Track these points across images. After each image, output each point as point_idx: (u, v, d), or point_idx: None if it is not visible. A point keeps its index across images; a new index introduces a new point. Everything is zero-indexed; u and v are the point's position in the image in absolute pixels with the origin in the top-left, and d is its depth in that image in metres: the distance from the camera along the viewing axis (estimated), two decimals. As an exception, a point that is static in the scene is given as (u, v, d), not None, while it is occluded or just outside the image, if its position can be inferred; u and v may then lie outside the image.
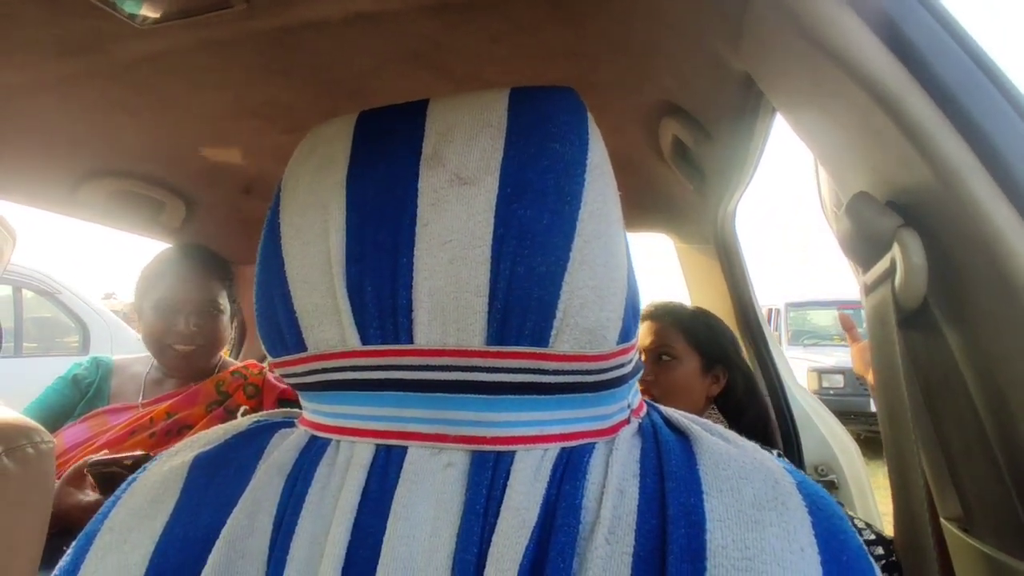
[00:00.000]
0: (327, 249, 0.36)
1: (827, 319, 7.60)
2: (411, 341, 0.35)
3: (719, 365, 1.13)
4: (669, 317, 1.14)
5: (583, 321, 0.34)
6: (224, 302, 1.25)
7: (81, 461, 0.99)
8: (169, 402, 1.18)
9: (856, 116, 0.40)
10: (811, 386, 5.85)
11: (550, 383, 0.35)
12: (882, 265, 0.40)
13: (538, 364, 0.34)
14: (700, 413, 1.13)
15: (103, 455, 0.99)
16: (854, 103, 0.39)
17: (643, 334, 1.12)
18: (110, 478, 0.94)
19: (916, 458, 0.35)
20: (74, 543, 0.39)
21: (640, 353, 1.08)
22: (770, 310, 7.55)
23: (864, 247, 0.41)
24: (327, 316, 0.36)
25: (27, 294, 3.79)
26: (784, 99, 0.51)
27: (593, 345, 0.34)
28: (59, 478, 1.01)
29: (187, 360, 1.20)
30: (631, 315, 0.37)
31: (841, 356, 6.09)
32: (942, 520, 0.39)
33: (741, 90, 0.67)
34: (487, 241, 0.34)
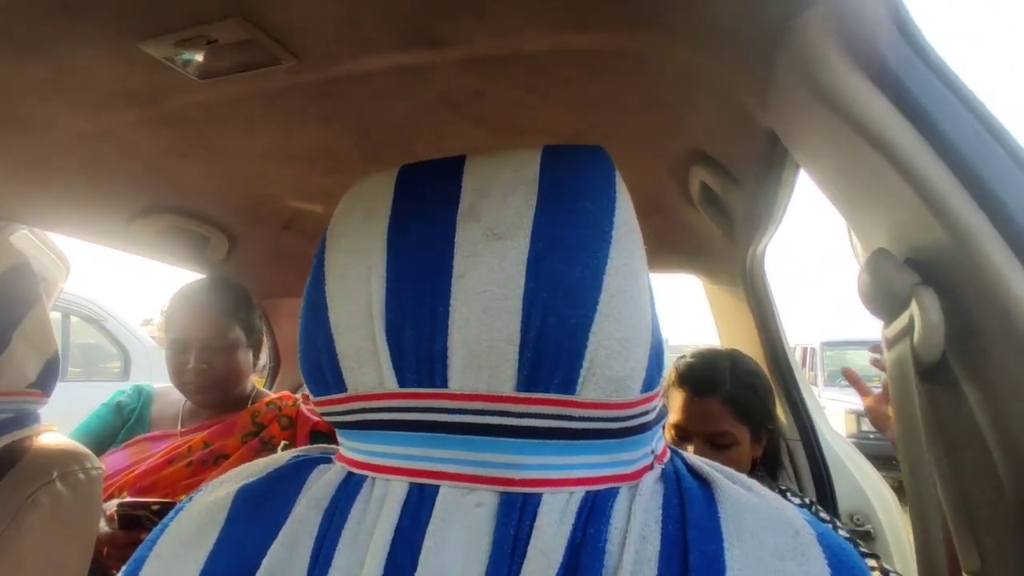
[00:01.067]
0: (368, 296, 0.39)
1: (865, 359, 7.33)
2: (446, 385, 0.37)
3: (764, 429, 1.08)
4: (716, 391, 1.03)
5: (609, 371, 0.35)
6: (235, 335, 1.24)
7: (112, 501, 1.02)
8: (206, 432, 1.21)
9: (873, 176, 0.41)
10: (848, 429, 5.64)
11: (577, 429, 0.36)
12: (901, 321, 0.40)
13: (565, 411, 0.36)
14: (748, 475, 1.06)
15: (130, 498, 1.03)
16: (871, 164, 0.40)
17: (695, 415, 1.03)
18: (135, 520, 0.97)
19: (937, 510, 0.35)
20: (124, 568, 0.42)
21: (691, 435, 1.03)
22: (805, 349, 7.34)
23: (884, 303, 0.42)
24: (367, 359, 0.38)
25: (74, 320, 3.93)
26: (806, 156, 0.53)
27: (618, 394, 0.36)
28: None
29: (203, 396, 1.22)
30: (655, 365, 0.39)
31: (881, 399, 5.85)
32: (964, 574, 0.39)
33: (768, 143, 0.69)
34: (519, 293, 0.36)
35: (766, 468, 1.14)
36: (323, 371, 0.41)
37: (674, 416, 1.05)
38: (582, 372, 0.35)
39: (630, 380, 0.36)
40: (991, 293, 0.34)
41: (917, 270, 0.40)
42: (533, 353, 0.35)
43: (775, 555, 0.33)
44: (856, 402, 5.82)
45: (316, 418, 1.29)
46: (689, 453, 1.00)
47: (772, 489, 1.13)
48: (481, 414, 0.36)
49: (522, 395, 0.36)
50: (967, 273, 0.36)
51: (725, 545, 0.33)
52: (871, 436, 5.47)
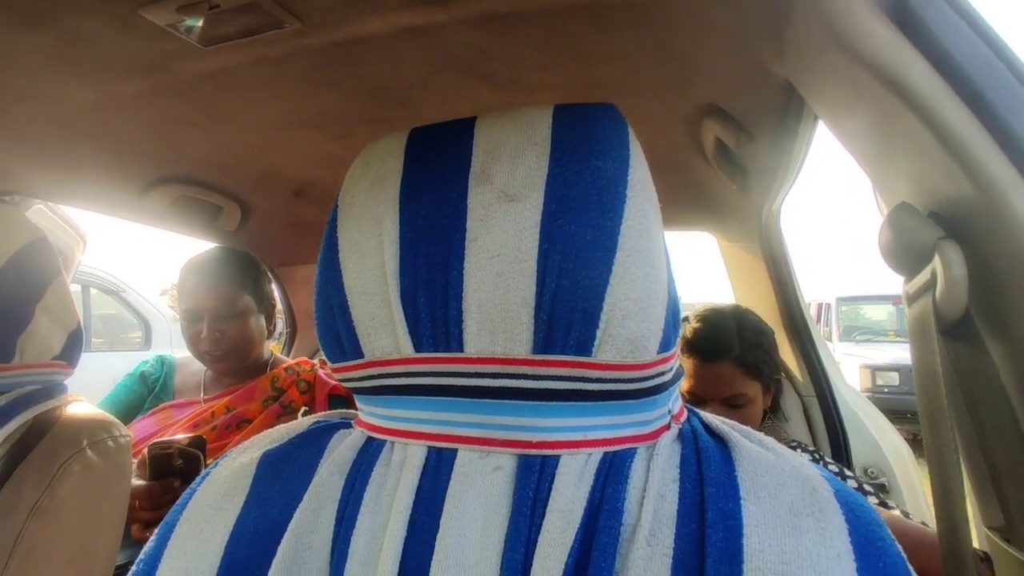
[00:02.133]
0: (382, 262, 0.39)
1: (881, 314, 7.31)
2: (461, 349, 0.37)
3: (772, 380, 1.10)
4: (726, 354, 1.04)
5: (625, 332, 0.35)
6: (245, 302, 1.26)
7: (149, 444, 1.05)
8: (228, 398, 1.24)
9: (896, 127, 0.40)
10: (864, 384, 5.64)
11: (593, 390, 0.36)
12: (923, 276, 0.40)
13: (582, 372, 0.36)
14: (760, 426, 1.10)
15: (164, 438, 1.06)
16: (894, 114, 0.39)
17: (709, 381, 1.04)
18: (165, 460, 1.00)
19: (957, 467, 0.35)
20: (156, 531, 0.43)
21: (707, 400, 1.04)
22: (820, 305, 7.30)
23: (906, 257, 0.41)
24: (383, 325, 0.39)
25: (94, 292, 3.99)
26: (825, 108, 0.51)
27: (635, 355, 0.36)
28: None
29: (220, 364, 1.25)
30: (671, 325, 0.39)
31: (896, 352, 5.86)
32: (985, 529, 0.39)
33: (784, 94, 0.67)
34: (533, 255, 0.36)
35: (771, 410, 1.17)
36: (339, 338, 0.41)
37: (686, 383, 1.06)
38: (598, 333, 0.35)
39: (646, 341, 0.36)
40: (1017, 246, 0.34)
41: (941, 224, 0.39)
42: (548, 315, 0.35)
43: (792, 512, 0.33)
44: (870, 357, 5.82)
45: (334, 382, 1.32)
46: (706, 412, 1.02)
47: (781, 436, 1.15)
48: (497, 377, 0.36)
49: (538, 357, 0.36)
50: (992, 226, 0.35)
51: (742, 502, 0.33)
52: (885, 390, 5.49)
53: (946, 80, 0.35)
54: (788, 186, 1.00)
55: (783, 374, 1.29)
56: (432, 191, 0.39)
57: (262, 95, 0.85)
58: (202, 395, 1.28)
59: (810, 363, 1.31)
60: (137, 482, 0.99)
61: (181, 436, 1.04)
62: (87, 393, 1.26)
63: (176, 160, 1.10)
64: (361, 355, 0.40)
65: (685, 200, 1.27)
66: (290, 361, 1.38)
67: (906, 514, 0.93)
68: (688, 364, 1.07)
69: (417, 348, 0.38)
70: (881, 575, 0.32)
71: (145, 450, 1.02)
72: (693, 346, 1.07)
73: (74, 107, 0.83)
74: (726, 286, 1.57)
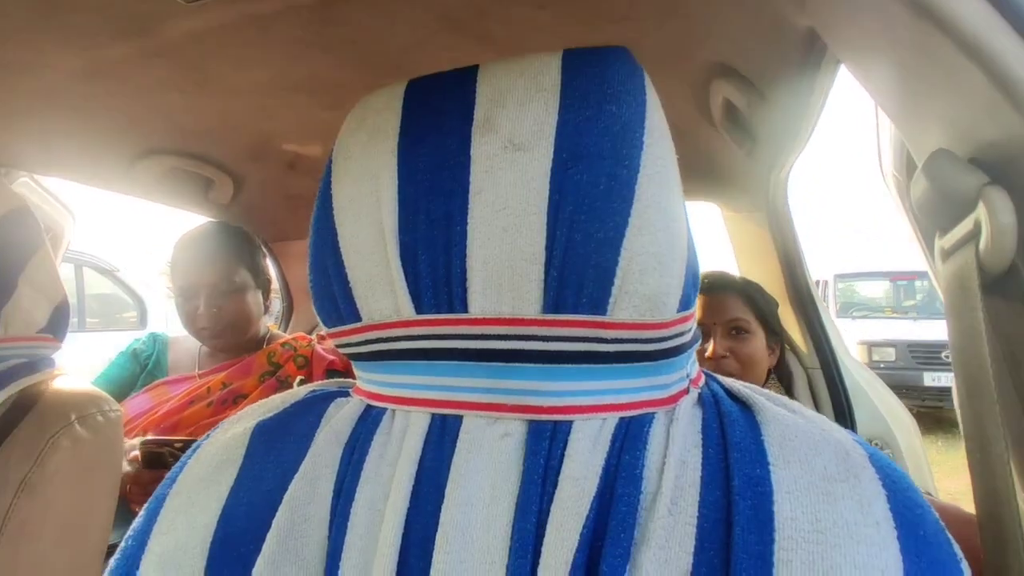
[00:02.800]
0: (380, 219, 0.36)
1: (877, 291, 7.34)
2: (466, 310, 0.34)
3: (775, 337, 1.14)
4: (732, 288, 1.13)
5: (643, 288, 0.33)
6: (242, 278, 1.24)
7: (136, 439, 1.03)
8: (224, 373, 1.23)
9: (935, 65, 0.37)
10: (861, 360, 5.67)
11: (608, 352, 0.34)
12: (964, 227, 0.37)
13: (596, 332, 0.33)
14: (763, 385, 1.13)
15: (153, 436, 1.05)
16: (933, 50, 0.36)
17: (712, 308, 1.11)
18: (158, 457, 0.99)
19: (1000, 431, 0.33)
20: (146, 505, 0.41)
21: (713, 327, 1.09)
22: (817, 281, 7.30)
23: (944, 209, 0.38)
24: (381, 286, 0.36)
25: (88, 272, 3.97)
26: (852, 52, 0.48)
27: (653, 313, 0.33)
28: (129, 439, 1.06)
29: (219, 339, 1.23)
30: (691, 282, 0.36)
31: (893, 329, 5.91)
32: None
33: (801, 47, 0.64)
34: (542, 208, 0.33)
35: (780, 379, 1.23)
36: (336, 301, 0.39)
37: None
38: (613, 290, 0.33)
39: (666, 297, 0.34)
40: None
41: (984, 169, 0.36)
42: (559, 272, 0.33)
43: (825, 478, 0.31)
44: (868, 333, 5.86)
45: (331, 356, 1.30)
46: (710, 348, 1.04)
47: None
48: (504, 339, 0.34)
49: (549, 317, 0.33)
50: None
51: (771, 468, 0.31)
52: (881, 365, 5.54)
53: (997, 8, 0.32)
54: (799, 150, 0.97)
55: (788, 347, 1.30)
56: (432, 143, 0.36)
57: (250, 58, 0.82)
58: (197, 370, 1.26)
59: (815, 335, 1.30)
60: (127, 468, 0.97)
61: (174, 438, 1.02)
62: (85, 372, 1.25)
63: (165, 130, 1.07)
64: (359, 318, 0.38)
65: (690, 170, 1.24)
66: (287, 336, 1.36)
67: None
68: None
69: (418, 310, 0.36)
70: (922, 543, 0.30)
71: (139, 447, 1.00)
72: (699, 285, 1.11)
73: (57, 75, 0.80)
74: (728, 263, 1.55)
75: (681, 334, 0.36)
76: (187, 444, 0.98)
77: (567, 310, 0.33)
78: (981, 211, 0.35)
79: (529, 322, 0.34)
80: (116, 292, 4.14)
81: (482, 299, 0.34)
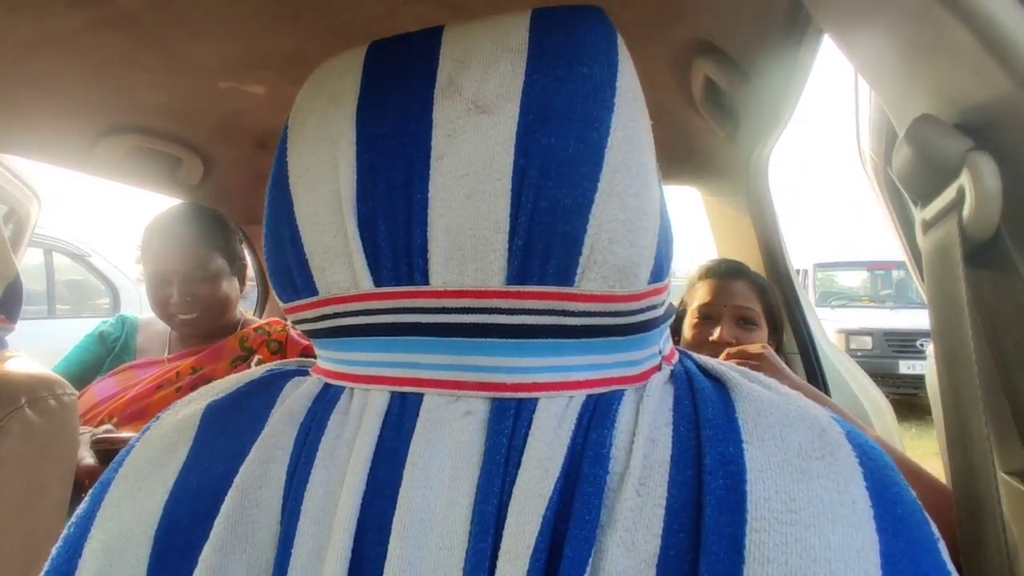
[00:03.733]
0: (337, 188, 0.34)
1: (855, 280, 7.47)
2: (427, 282, 0.33)
3: (775, 334, 1.13)
4: (748, 278, 1.11)
5: (612, 258, 0.31)
6: (218, 265, 1.21)
7: (87, 432, 1.00)
8: (194, 357, 1.20)
9: (919, 27, 0.35)
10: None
11: (576, 325, 0.32)
12: (946, 196, 0.36)
13: (563, 305, 0.32)
14: None
15: (106, 430, 1.01)
16: (919, 11, 0.34)
17: (723, 292, 1.08)
18: (112, 455, 0.96)
19: (979, 405, 0.32)
20: (90, 491, 0.39)
21: (723, 310, 1.07)
22: (797, 271, 7.40)
23: (928, 177, 0.37)
24: (338, 258, 0.34)
25: (57, 257, 3.87)
26: (836, 19, 0.46)
27: (623, 284, 0.32)
28: (93, 427, 1.03)
29: (193, 327, 1.20)
30: (664, 252, 0.34)
31: (870, 317, 6.01)
32: (1001, 474, 0.37)
33: (784, 19, 0.62)
34: (507, 173, 0.31)
35: None
36: (291, 274, 0.37)
37: (701, 298, 1.10)
38: (581, 260, 0.31)
39: (636, 268, 0.32)
40: None
41: (970, 134, 0.35)
42: (525, 241, 0.31)
43: (800, 455, 0.29)
44: (846, 322, 5.96)
45: (306, 342, 1.28)
46: (716, 332, 1.03)
47: None
48: (467, 312, 0.32)
49: (513, 289, 0.31)
50: None
51: (744, 446, 0.30)
52: (858, 353, 5.63)
53: None
54: (779, 131, 0.96)
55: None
56: (393, 107, 0.34)
57: (213, 32, 0.79)
58: (166, 354, 1.22)
59: (794, 320, 1.30)
60: (88, 460, 0.94)
61: (126, 434, 0.99)
62: (54, 359, 1.21)
63: (128, 107, 1.03)
64: (315, 292, 0.36)
65: (669, 152, 1.23)
66: (261, 321, 1.33)
67: None
68: (704, 285, 1.11)
69: (377, 282, 0.33)
70: (899, 522, 0.28)
71: (91, 444, 0.97)
72: (711, 270, 1.13)
73: (8, 46, 0.77)
74: (708, 248, 1.55)
75: (653, 307, 0.34)
76: None
77: (532, 281, 0.31)
78: (965, 177, 0.34)
79: (493, 294, 0.32)
80: (88, 278, 4.05)
81: (444, 271, 0.32)
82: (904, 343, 5.59)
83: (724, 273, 1.11)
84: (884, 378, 5.27)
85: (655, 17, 0.75)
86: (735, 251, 1.41)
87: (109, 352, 1.24)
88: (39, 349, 0.76)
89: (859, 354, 5.66)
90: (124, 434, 1.00)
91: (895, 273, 6.88)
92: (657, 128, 0.35)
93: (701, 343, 1.05)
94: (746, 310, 1.06)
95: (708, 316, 1.08)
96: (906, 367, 5.48)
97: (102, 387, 1.15)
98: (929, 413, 4.40)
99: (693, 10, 0.73)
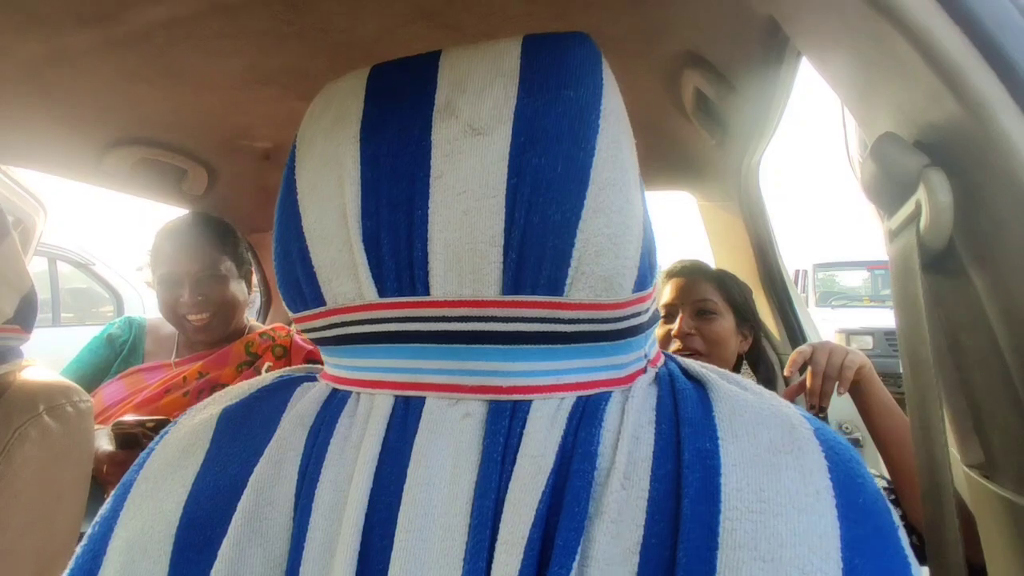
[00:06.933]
0: (343, 204, 0.36)
1: (856, 280, 7.46)
2: (427, 293, 0.35)
3: (746, 324, 1.17)
4: (702, 273, 1.17)
5: (598, 269, 0.34)
6: (228, 267, 1.23)
7: (114, 422, 1.02)
8: (201, 362, 1.22)
9: (882, 52, 0.38)
10: (839, 348, 5.76)
11: (566, 332, 0.35)
12: (907, 208, 0.38)
13: (554, 313, 0.34)
14: (734, 370, 1.15)
15: (129, 417, 1.03)
16: (880, 38, 0.37)
17: (681, 290, 1.15)
18: (132, 438, 0.98)
19: (938, 403, 0.34)
20: (113, 492, 0.41)
21: (681, 306, 1.12)
22: (797, 271, 7.41)
23: (890, 190, 0.40)
24: (344, 270, 0.37)
25: (62, 266, 3.89)
26: (809, 41, 0.49)
27: (609, 293, 0.34)
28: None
29: (204, 330, 1.21)
30: (647, 263, 0.37)
31: (870, 317, 6.00)
32: (964, 468, 0.39)
33: (766, 36, 0.65)
34: (501, 191, 0.34)
35: (751, 365, 1.26)
36: (300, 285, 0.39)
37: (664, 299, 1.17)
38: (570, 272, 0.33)
39: (621, 279, 0.35)
40: (1005, 170, 0.32)
41: (926, 152, 0.37)
42: (518, 254, 0.33)
43: (770, 450, 0.32)
44: (846, 322, 5.95)
45: (310, 347, 1.30)
46: (676, 325, 1.07)
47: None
48: (465, 321, 0.35)
49: (508, 299, 0.34)
50: (980, 149, 0.34)
51: (720, 442, 0.32)
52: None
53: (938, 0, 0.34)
54: (767, 138, 0.99)
55: (762, 335, 1.32)
56: (394, 128, 0.37)
57: (220, 49, 0.81)
58: (174, 358, 1.25)
59: (787, 321, 1.32)
60: (106, 447, 0.96)
61: (146, 417, 1.02)
62: (59, 367, 1.23)
63: (135, 120, 1.06)
64: (323, 303, 0.38)
65: (662, 158, 1.25)
66: (265, 327, 1.35)
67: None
68: (666, 286, 1.18)
69: (381, 293, 0.36)
70: (860, 511, 0.31)
71: (111, 429, 0.99)
72: (673, 271, 1.20)
73: (20, 63, 0.78)
74: (706, 251, 1.57)
75: (637, 314, 0.37)
76: (160, 424, 0.98)
77: (525, 291, 0.34)
78: (922, 192, 0.36)
79: (489, 304, 0.34)
80: (92, 286, 4.07)
81: (443, 282, 0.35)
82: (904, 343, 5.58)
83: (681, 272, 1.19)
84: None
85: (642, 30, 0.78)
86: (729, 254, 1.43)
87: (117, 355, 1.26)
88: (44, 357, 0.78)
89: (860, 354, 5.65)
90: (138, 417, 1.02)
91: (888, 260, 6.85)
92: (652, 136, 0.37)
93: (667, 339, 1.11)
94: (703, 302, 1.12)
95: (671, 314, 1.14)
96: (906, 366, 5.47)
97: (111, 391, 1.17)
98: (929, 412, 4.38)
99: (678, 23, 0.75)
